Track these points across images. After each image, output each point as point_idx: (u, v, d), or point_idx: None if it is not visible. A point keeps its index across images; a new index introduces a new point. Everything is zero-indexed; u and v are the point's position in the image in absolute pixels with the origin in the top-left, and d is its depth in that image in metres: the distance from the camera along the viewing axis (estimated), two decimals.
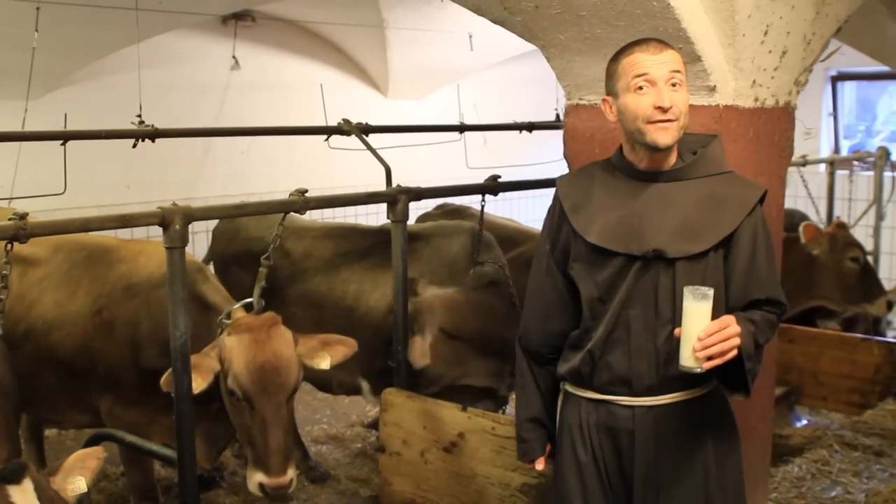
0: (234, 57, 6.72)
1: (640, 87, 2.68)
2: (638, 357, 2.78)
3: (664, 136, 2.68)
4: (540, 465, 3.12)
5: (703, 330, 2.50)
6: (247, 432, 3.69)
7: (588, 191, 2.89)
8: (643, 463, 2.82)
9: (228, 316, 3.83)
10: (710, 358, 2.51)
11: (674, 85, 2.67)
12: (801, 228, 6.25)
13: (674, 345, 2.64)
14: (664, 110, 2.65)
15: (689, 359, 2.53)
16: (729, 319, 2.55)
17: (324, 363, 3.81)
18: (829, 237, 6.35)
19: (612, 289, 2.79)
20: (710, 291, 2.53)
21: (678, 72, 2.69)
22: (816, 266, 6.28)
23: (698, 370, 2.54)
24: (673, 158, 2.81)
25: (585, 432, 2.90)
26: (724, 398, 2.90)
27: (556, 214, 2.96)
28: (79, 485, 2.80)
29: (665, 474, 2.82)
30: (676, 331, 2.60)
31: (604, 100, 2.84)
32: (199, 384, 3.63)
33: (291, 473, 3.64)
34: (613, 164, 2.90)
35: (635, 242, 2.74)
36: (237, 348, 3.65)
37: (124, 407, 4.16)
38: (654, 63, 2.67)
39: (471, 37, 7.93)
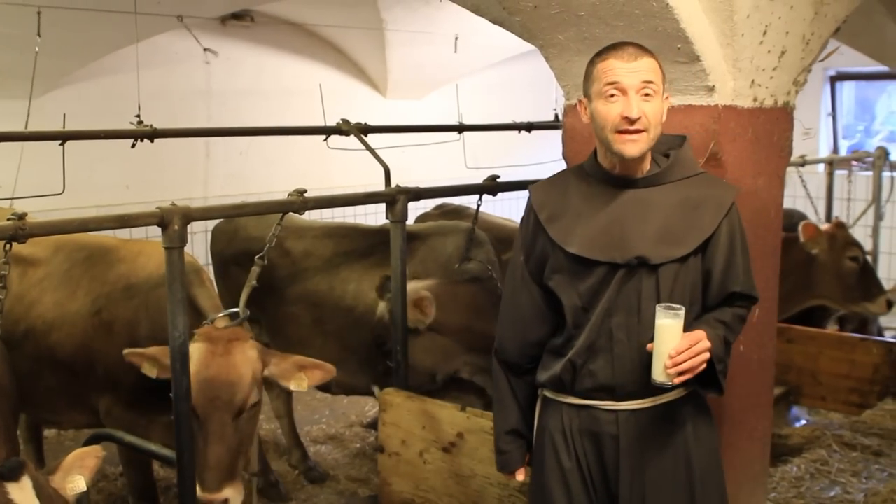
0: (206, 50, 6.62)
1: (612, 95, 2.67)
2: (621, 365, 2.79)
3: (631, 147, 2.68)
4: (520, 475, 3.11)
5: (674, 348, 2.58)
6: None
7: (563, 199, 2.88)
8: (628, 467, 2.82)
9: (213, 323, 3.79)
10: (681, 373, 2.59)
11: (646, 95, 2.66)
12: (800, 228, 6.25)
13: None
14: (631, 121, 2.64)
15: (661, 374, 2.63)
16: (699, 335, 2.62)
17: (301, 386, 3.72)
18: (828, 236, 6.34)
19: (595, 297, 2.79)
20: (682, 310, 2.62)
21: (651, 82, 2.67)
22: (816, 265, 6.27)
23: (669, 385, 2.65)
24: (647, 164, 2.81)
25: (569, 438, 2.89)
26: (703, 397, 2.93)
27: (531, 225, 2.94)
28: (78, 484, 2.80)
29: (650, 476, 2.82)
30: (649, 346, 2.66)
31: (580, 101, 2.84)
32: (149, 370, 3.64)
33: (228, 493, 3.50)
34: (587, 170, 2.89)
35: (618, 250, 2.74)
36: (192, 357, 3.60)
37: (123, 407, 4.15)
38: (627, 71, 2.66)
39: (457, 39, 7.93)
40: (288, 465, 5.88)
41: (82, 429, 4.86)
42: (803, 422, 6.20)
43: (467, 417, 4.02)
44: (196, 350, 3.62)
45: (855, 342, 6.13)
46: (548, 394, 2.96)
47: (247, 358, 3.65)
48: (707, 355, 2.61)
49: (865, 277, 6.39)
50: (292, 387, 3.74)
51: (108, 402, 4.19)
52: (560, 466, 2.90)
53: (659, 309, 2.62)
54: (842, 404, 6.16)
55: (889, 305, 6.35)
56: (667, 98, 2.78)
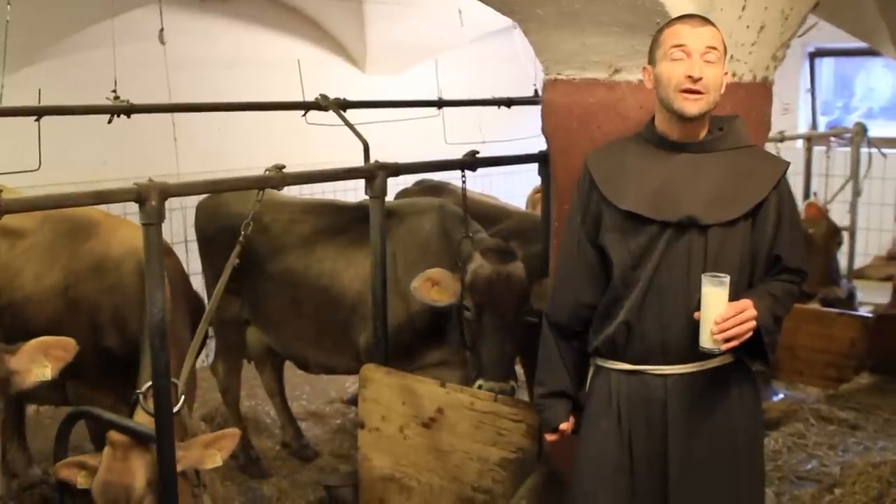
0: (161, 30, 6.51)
1: (676, 57, 2.78)
2: (670, 324, 2.86)
3: (692, 106, 2.78)
4: (565, 425, 3.13)
5: (719, 315, 2.65)
6: None
7: (619, 162, 2.97)
8: (677, 431, 2.89)
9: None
10: (727, 340, 2.66)
11: (709, 61, 2.77)
12: (804, 206, 6.31)
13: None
14: (694, 80, 2.74)
15: (707, 341, 2.70)
16: (745, 304, 2.69)
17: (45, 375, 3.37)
18: (828, 220, 6.41)
19: (645, 256, 2.87)
20: (727, 278, 2.68)
21: (714, 48, 2.79)
22: (810, 246, 6.31)
23: (717, 351, 2.71)
24: (704, 131, 2.90)
25: (613, 403, 2.97)
26: (749, 368, 3.01)
27: (587, 186, 3.02)
28: (45, 372, 2.94)
29: (698, 440, 2.90)
30: (696, 314, 2.73)
31: (644, 68, 2.95)
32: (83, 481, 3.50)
33: None
34: (644, 136, 2.98)
35: (670, 209, 2.83)
36: None
37: (89, 388, 4.12)
38: (693, 36, 2.79)
39: (461, 12, 7.86)
40: (281, 442, 5.89)
41: (56, 406, 4.82)
42: (781, 396, 6.26)
43: (447, 393, 4.02)
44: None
45: (832, 317, 6.19)
46: (599, 362, 3.04)
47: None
48: (753, 323, 2.69)
49: (836, 263, 6.51)
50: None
51: (75, 384, 4.15)
52: (598, 427, 3.00)
53: (705, 277, 2.70)
54: (819, 378, 6.23)
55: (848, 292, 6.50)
56: (725, 74, 2.86)
